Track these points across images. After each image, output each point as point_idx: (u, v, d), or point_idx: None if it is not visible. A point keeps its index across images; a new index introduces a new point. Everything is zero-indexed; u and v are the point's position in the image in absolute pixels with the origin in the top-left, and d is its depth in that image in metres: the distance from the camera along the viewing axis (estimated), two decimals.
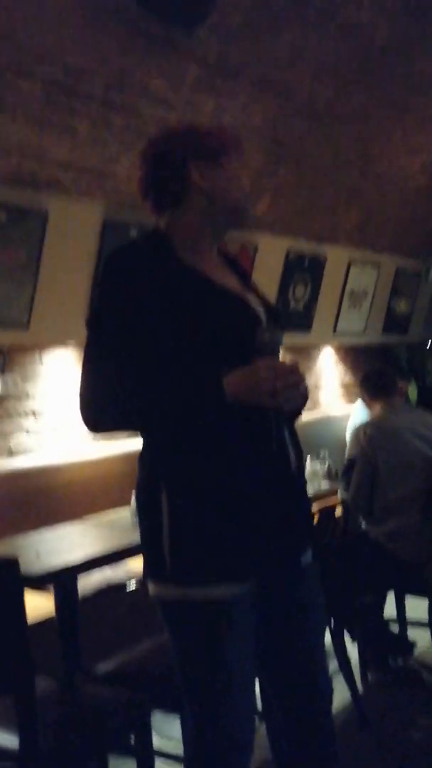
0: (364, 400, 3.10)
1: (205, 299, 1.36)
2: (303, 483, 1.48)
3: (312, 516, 1.52)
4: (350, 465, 2.92)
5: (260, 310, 1.44)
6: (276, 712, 1.50)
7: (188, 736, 1.47)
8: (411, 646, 2.96)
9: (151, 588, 1.38)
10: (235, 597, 1.32)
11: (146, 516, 1.38)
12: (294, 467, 1.42)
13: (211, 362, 1.32)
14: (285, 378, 1.30)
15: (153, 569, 1.36)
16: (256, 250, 4.17)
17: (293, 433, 1.45)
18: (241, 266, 1.56)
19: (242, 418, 1.32)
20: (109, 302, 1.36)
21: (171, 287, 1.35)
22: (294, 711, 1.45)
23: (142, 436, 1.43)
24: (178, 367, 1.34)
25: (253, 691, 1.44)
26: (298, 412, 1.47)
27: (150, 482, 1.37)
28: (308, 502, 1.49)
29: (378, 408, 2.99)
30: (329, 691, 1.49)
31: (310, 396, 1.46)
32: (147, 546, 1.38)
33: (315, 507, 2.02)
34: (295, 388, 1.33)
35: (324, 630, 1.51)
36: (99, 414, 1.36)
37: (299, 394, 1.37)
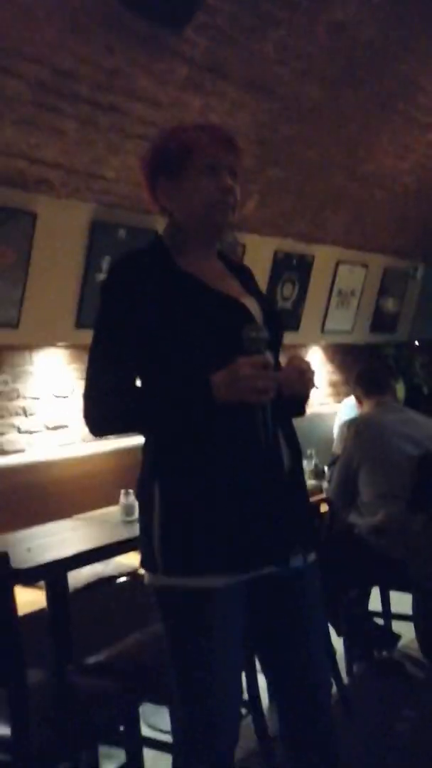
0: (356, 396, 3.13)
1: (196, 300, 1.39)
2: (298, 484, 1.45)
3: (310, 519, 1.52)
4: (334, 460, 2.96)
5: (257, 312, 1.45)
6: (276, 707, 1.52)
7: (176, 726, 1.50)
8: (395, 639, 3.01)
9: (146, 576, 1.44)
10: (222, 588, 1.36)
11: (142, 509, 1.43)
12: (287, 467, 1.43)
13: (204, 362, 1.35)
14: (266, 374, 1.31)
15: (146, 559, 1.42)
16: (244, 249, 4.20)
17: (290, 434, 1.45)
18: (248, 271, 1.57)
19: (230, 416, 1.34)
20: (110, 307, 1.41)
21: (166, 291, 1.39)
22: (291, 709, 1.48)
23: (143, 435, 1.47)
24: (173, 368, 1.37)
25: (239, 681, 1.48)
26: (302, 406, 1.49)
27: (146, 477, 1.42)
28: (304, 503, 1.47)
29: (369, 405, 3.03)
30: (326, 691, 1.50)
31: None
32: (142, 537, 1.43)
33: None
34: (274, 383, 1.34)
35: (323, 631, 1.51)
36: (102, 418, 1.40)
37: (300, 385, 1.41)
